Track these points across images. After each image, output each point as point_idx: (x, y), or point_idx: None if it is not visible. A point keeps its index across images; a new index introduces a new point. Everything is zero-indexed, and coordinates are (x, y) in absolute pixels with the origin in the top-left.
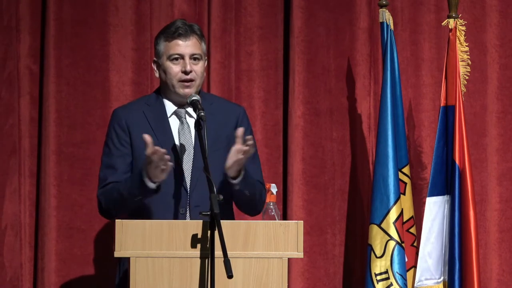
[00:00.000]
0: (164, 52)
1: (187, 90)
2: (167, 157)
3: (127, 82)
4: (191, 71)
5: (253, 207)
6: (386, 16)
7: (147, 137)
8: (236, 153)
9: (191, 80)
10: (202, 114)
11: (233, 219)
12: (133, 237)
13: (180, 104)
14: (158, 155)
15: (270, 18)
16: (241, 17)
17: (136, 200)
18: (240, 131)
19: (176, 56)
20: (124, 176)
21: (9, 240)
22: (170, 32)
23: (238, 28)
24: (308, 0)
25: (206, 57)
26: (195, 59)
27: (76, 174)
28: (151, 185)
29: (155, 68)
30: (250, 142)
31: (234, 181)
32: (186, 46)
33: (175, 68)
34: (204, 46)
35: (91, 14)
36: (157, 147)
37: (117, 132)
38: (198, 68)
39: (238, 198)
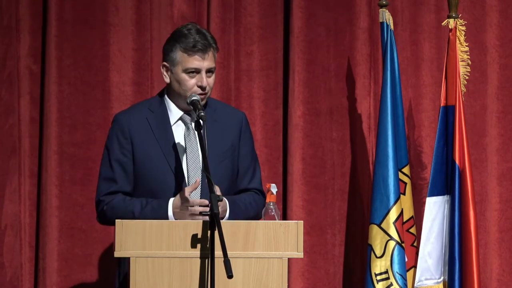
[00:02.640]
0: (179, 63)
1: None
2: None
3: (128, 82)
4: (207, 86)
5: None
6: (386, 16)
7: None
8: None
9: (205, 93)
10: (202, 114)
11: None
12: (133, 237)
13: (187, 109)
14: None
15: (270, 18)
16: (241, 17)
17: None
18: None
19: (193, 70)
20: (124, 186)
21: (9, 240)
22: (189, 44)
23: (238, 28)
24: (308, 0)
25: None
26: (210, 72)
27: (77, 174)
28: (172, 218)
29: (165, 73)
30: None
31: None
32: (204, 61)
33: (191, 81)
34: (216, 55)
35: (92, 14)
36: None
37: (119, 140)
38: (211, 80)
39: None
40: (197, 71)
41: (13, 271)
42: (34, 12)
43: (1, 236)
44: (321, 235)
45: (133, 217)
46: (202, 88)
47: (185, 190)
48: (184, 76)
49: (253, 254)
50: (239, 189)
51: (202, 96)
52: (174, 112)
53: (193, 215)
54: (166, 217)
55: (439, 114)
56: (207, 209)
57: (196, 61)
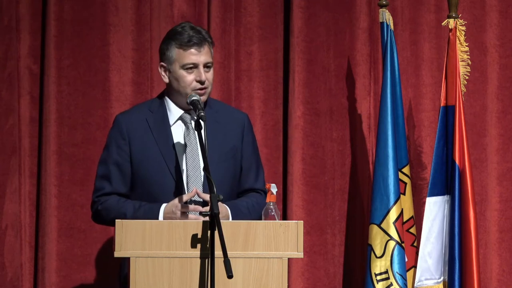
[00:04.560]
0: (176, 60)
1: (202, 98)
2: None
3: (127, 82)
4: (205, 80)
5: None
6: (386, 16)
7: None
8: None
9: (205, 88)
10: (202, 114)
11: None
12: (133, 237)
13: (187, 108)
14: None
15: (270, 18)
16: (241, 17)
17: None
18: None
19: (191, 65)
20: (119, 188)
21: (9, 240)
22: (184, 40)
23: (238, 28)
24: (308, 0)
25: None
26: (207, 67)
27: (77, 174)
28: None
29: (163, 73)
30: None
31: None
32: (200, 55)
33: (189, 77)
34: (213, 51)
35: (92, 14)
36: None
37: (117, 141)
38: (210, 75)
39: None
40: (194, 66)
41: (14, 271)
42: (34, 12)
43: (2, 236)
44: (321, 235)
45: (125, 218)
46: (201, 82)
47: (183, 197)
48: (182, 72)
49: (253, 254)
50: (243, 189)
51: (202, 91)
52: (174, 112)
53: (184, 214)
54: (157, 215)
55: (439, 114)
56: (203, 209)
57: (192, 56)
